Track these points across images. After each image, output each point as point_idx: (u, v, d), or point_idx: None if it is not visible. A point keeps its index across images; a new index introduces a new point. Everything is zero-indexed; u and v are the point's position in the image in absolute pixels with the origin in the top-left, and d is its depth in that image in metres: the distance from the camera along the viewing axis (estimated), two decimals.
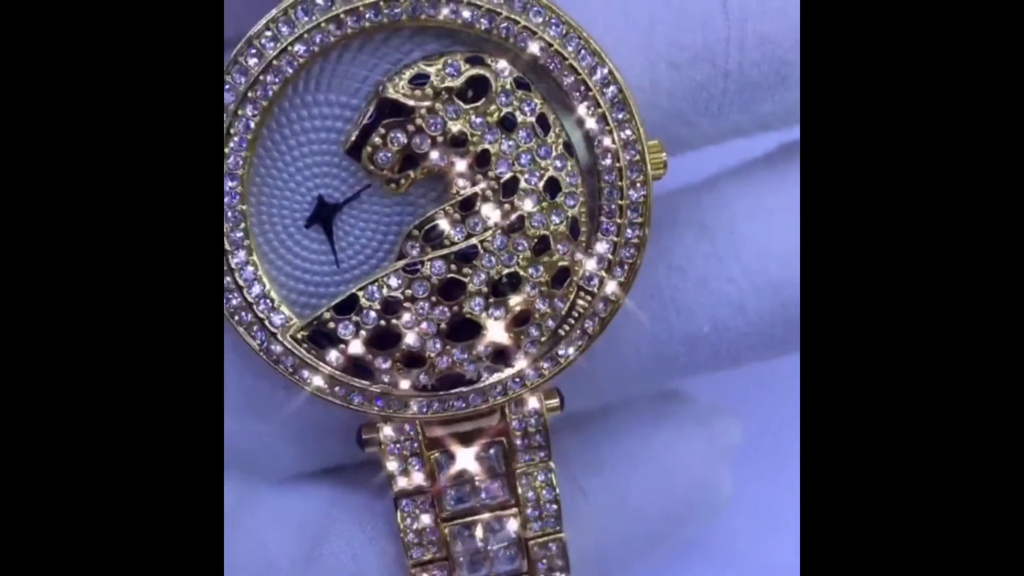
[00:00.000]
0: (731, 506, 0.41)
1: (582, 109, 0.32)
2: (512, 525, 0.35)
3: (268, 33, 0.31)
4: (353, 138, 0.32)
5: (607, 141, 0.32)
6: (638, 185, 0.33)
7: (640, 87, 0.34)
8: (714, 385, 0.39)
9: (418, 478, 0.34)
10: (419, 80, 0.32)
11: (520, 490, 0.34)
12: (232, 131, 0.31)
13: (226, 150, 0.31)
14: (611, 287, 0.33)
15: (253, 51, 0.31)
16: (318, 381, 0.33)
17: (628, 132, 0.32)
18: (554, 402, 0.34)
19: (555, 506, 0.35)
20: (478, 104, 0.32)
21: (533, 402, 0.34)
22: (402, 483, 0.34)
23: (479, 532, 0.35)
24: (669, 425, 0.39)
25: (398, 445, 0.34)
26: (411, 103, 0.32)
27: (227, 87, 0.31)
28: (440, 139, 0.32)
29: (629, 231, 0.33)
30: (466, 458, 0.34)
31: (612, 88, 0.32)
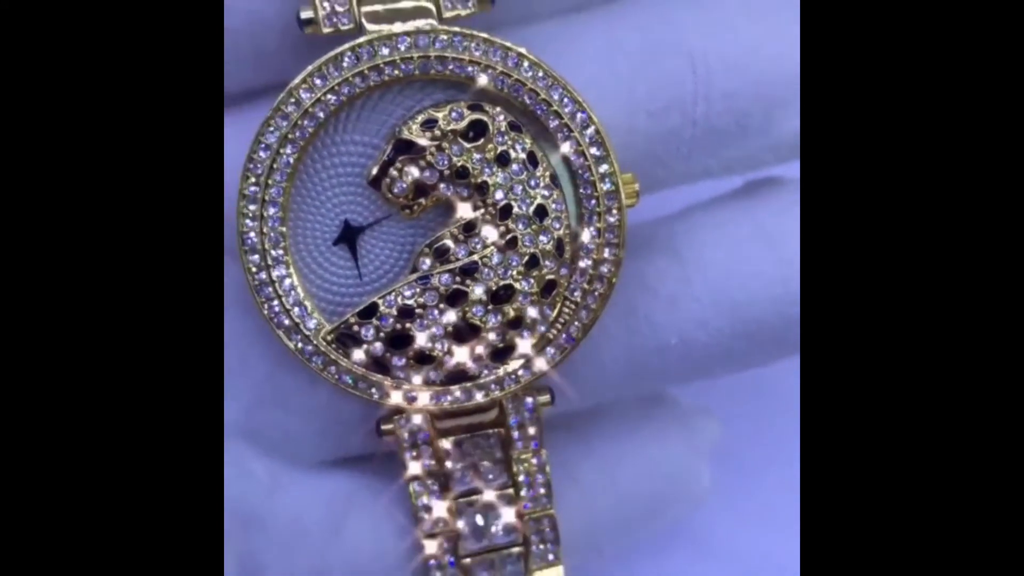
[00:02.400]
0: (712, 500, 0.45)
1: (566, 147, 0.38)
2: (509, 504, 0.40)
3: (304, 85, 0.37)
4: (374, 171, 0.37)
5: (587, 174, 0.38)
6: (614, 211, 0.38)
7: (620, 131, 0.39)
8: (696, 391, 0.44)
9: (428, 463, 0.39)
10: (429, 123, 0.37)
11: (516, 473, 0.40)
12: (274, 166, 0.37)
13: (269, 182, 0.37)
14: (592, 299, 0.39)
15: (292, 100, 0.37)
16: (347, 378, 0.38)
17: (605, 167, 0.38)
18: (545, 397, 0.39)
19: (546, 488, 0.40)
20: (478, 143, 0.37)
21: (527, 397, 0.39)
22: (414, 468, 0.39)
23: (480, 509, 0.40)
24: (653, 423, 0.43)
25: (411, 435, 0.39)
26: (423, 143, 0.37)
27: (271, 129, 0.37)
28: (447, 172, 0.37)
29: (607, 250, 0.39)
30: (469, 446, 0.40)
31: (591, 129, 0.38)
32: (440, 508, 0.40)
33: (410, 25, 0.37)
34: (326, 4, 0.37)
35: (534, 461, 0.40)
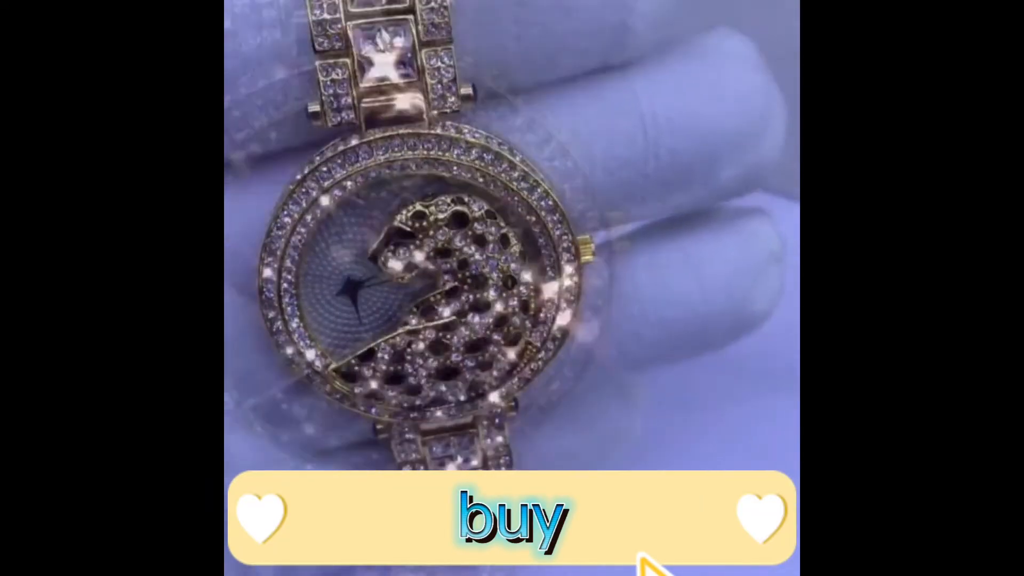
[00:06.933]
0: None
1: (531, 222, 0.46)
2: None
3: (313, 176, 0.44)
4: (372, 250, 0.45)
5: (548, 246, 0.46)
6: (572, 273, 0.46)
7: (582, 186, 0.46)
8: None
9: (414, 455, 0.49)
10: (419, 215, 0.44)
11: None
12: (290, 241, 0.44)
13: (284, 255, 0.44)
14: (551, 344, 0.47)
15: (303, 190, 0.44)
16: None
17: (566, 242, 0.46)
18: (511, 413, 0.49)
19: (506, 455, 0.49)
20: (459, 229, 0.45)
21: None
22: (401, 456, 0.49)
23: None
24: (598, 393, 0.53)
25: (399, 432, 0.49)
26: (412, 229, 0.44)
27: (285, 214, 0.44)
28: (432, 254, 0.45)
29: (565, 304, 0.47)
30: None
31: (556, 213, 0.45)
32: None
33: (403, 128, 0.44)
34: (332, 99, 0.44)
35: (498, 438, 0.49)
